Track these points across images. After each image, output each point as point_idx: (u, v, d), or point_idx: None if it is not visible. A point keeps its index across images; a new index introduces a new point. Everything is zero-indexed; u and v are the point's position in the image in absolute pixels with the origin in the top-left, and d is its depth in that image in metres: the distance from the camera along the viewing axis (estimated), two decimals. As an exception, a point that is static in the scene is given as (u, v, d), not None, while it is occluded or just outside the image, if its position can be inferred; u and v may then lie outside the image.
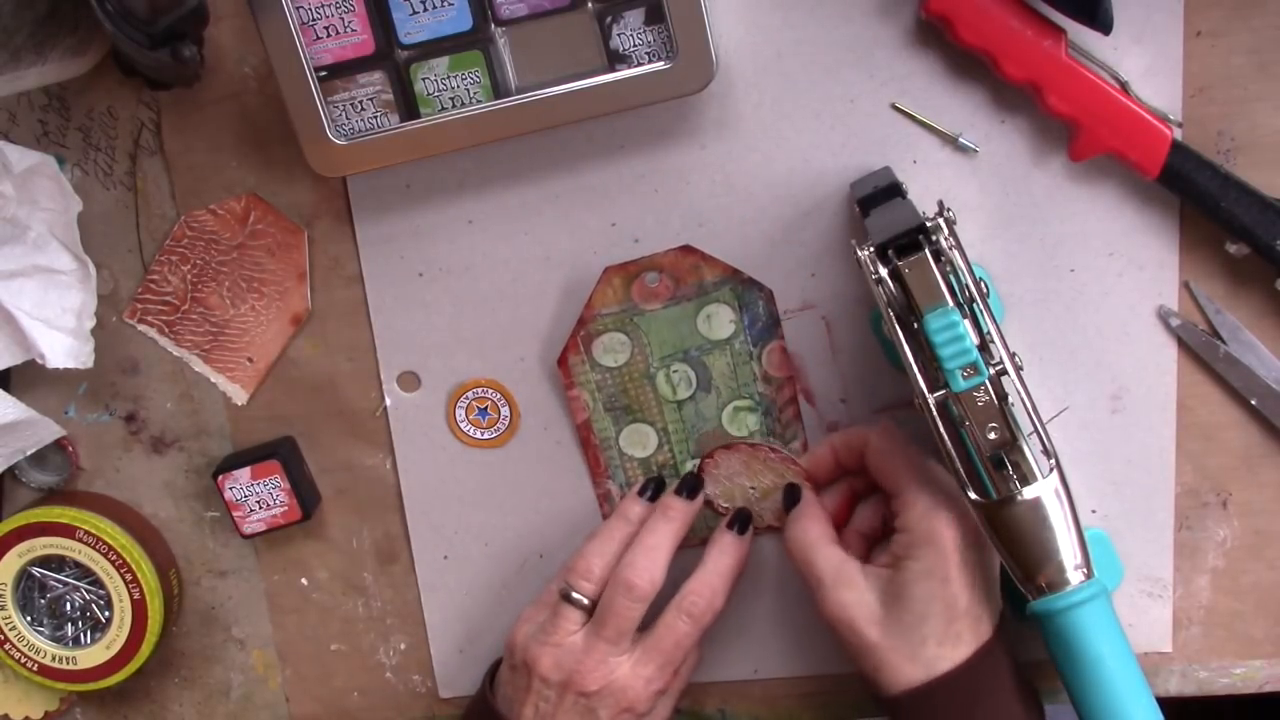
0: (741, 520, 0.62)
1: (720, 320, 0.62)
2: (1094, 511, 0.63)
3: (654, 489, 0.62)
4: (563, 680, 0.58)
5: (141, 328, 0.66)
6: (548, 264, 0.63)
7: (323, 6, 0.56)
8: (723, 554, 0.60)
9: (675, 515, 0.60)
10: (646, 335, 0.62)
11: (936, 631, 0.55)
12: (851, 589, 0.57)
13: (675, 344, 0.63)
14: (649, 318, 0.62)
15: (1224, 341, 0.60)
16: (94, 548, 0.65)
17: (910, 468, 0.58)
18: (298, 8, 0.56)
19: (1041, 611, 0.53)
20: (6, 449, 0.64)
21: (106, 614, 0.67)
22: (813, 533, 0.59)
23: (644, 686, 0.58)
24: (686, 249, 0.61)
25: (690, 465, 0.64)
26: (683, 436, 0.64)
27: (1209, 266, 0.60)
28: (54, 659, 0.67)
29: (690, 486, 0.62)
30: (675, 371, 0.63)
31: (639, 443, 0.64)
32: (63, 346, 0.62)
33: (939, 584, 0.55)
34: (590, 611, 0.59)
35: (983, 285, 0.54)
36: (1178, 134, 0.58)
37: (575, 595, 0.59)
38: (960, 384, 0.52)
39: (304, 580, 0.69)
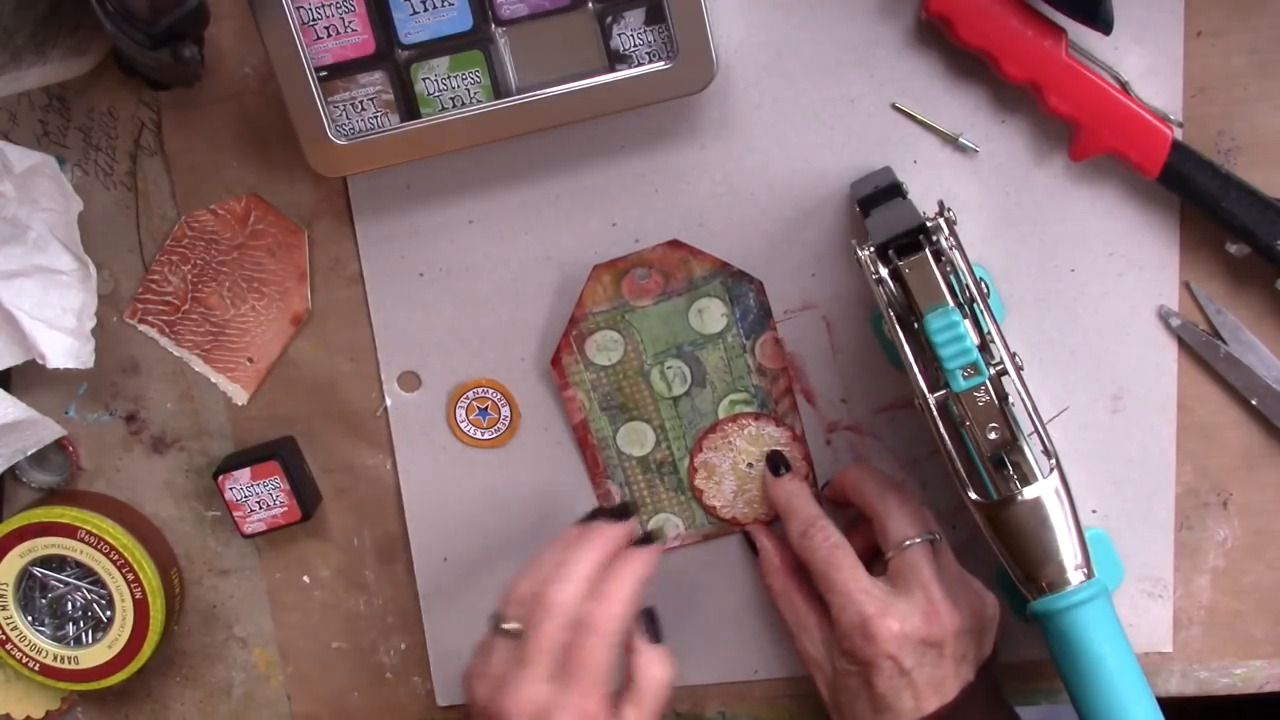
0: (618, 511, 0.59)
1: (712, 314, 0.62)
2: (1094, 511, 0.63)
3: (592, 517, 0.60)
4: (494, 711, 0.54)
5: (142, 328, 0.66)
6: (548, 264, 0.63)
7: (323, 6, 0.56)
8: (620, 562, 0.57)
9: (595, 535, 0.57)
10: (639, 332, 0.62)
11: (864, 716, 0.56)
12: (810, 643, 0.60)
13: (668, 340, 0.63)
14: (640, 314, 0.62)
15: (1224, 341, 0.60)
16: (95, 547, 0.65)
17: (849, 577, 0.57)
18: (298, 8, 0.56)
19: (1042, 611, 0.53)
20: (7, 449, 0.64)
21: (108, 613, 0.67)
22: (777, 585, 0.62)
23: (569, 715, 0.53)
24: (674, 244, 0.61)
25: (688, 462, 0.64)
26: (680, 433, 0.64)
27: (1209, 266, 0.60)
28: (55, 659, 0.67)
29: (619, 514, 0.59)
30: (669, 368, 0.63)
31: (637, 441, 0.64)
32: (63, 346, 0.62)
33: (863, 685, 0.56)
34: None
35: (983, 285, 0.54)
36: (1178, 134, 0.58)
37: (504, 625, 0.56)
38: (960, 384, 0.52)
39: (306, 578, 0.69)
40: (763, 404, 0.63)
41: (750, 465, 0.64)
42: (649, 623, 0.58)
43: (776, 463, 0.63)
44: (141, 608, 0.66)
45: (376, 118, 0.58)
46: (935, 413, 0.53)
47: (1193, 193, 0.57)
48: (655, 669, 0.57)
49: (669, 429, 0.64)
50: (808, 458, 0.64)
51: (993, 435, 0.53)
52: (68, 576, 0.67)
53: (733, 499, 0.64)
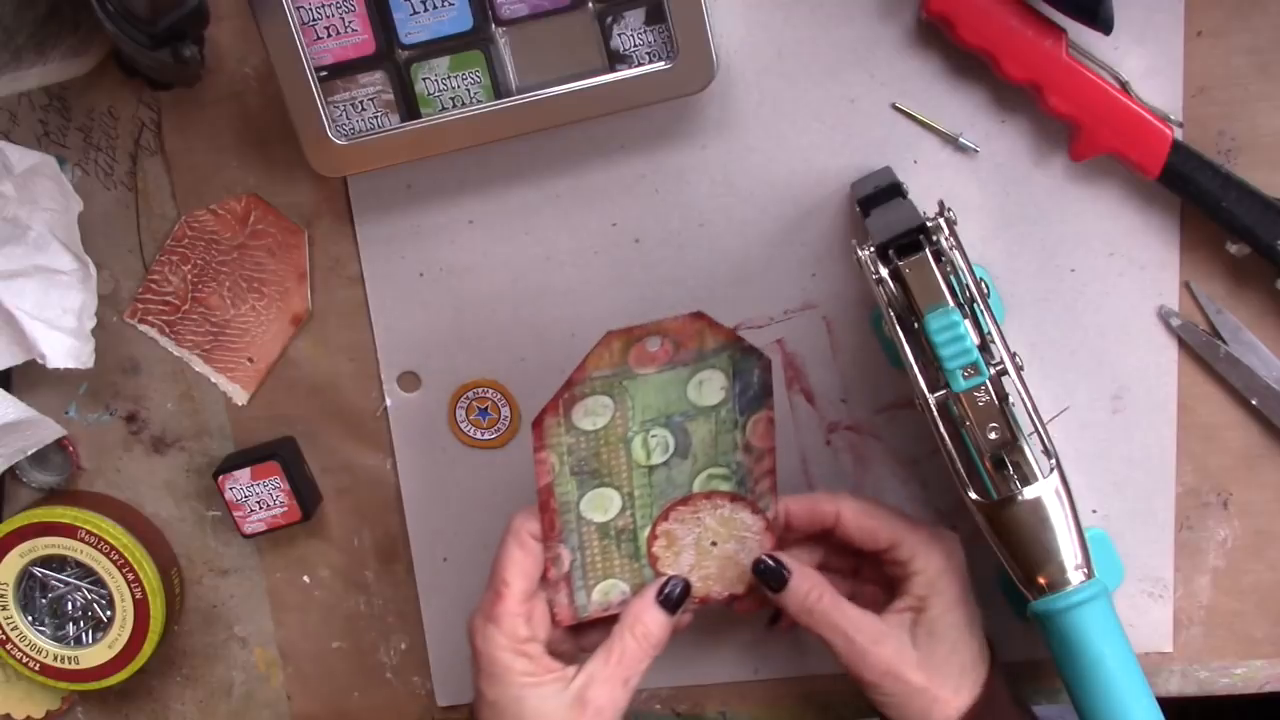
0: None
1: (712, 387, 0.57)
2: (1094, 511, 0.63)
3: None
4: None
5: (142, 328, 0.66)
6: (548, 264, 0.63)
7: (323, 6, 0.56)
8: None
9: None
10: (632, 399, 0.56)
11: (971, 653, 0.56)
12: (888, 642, 0.56)
13: (660, 409, 0.57)
14: (639, 381, 0.56)
15: (1224, 341, 0.60)
16: (96, 547, 0.65)
17: (897, 516, 0.58)
18: (298, 8, 0.56)
19: (1042, 611, 0.53)
20: (7, 449, 0.64)
21: (108, 613, 0.67)
22: (825, 599, 0.57)
23: None
24: (697, 315, 0.55)
25: (649, 529, 0.59)
26: (648, 501, 0.59)
27: (1209, 266, 0.60)
28: (56, 658, 0.67)
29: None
30: (654, 436, 0.58)
31: (600, 507, 0.58)
32: (63, 346, 0.62)
33: (965, 608, 0.56)
34: None
35: (983, 285, 0.54)
36: (1178, 134, 0.58)
37: None
38: (961, 384, 0.52)
39: (306, 578, 0.69)
40: (740, 482, 0.59)
41: (714, 544, 0.60)
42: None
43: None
44: (141, 608, 0.66)
45: (376, 118, 0.58)
46: (935, 413, 0.53)
47: (1193, 193, 0.57)
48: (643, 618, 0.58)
49: (637, 497, 0.59)
50: (775, 549, 0.60)
51: (993, 435, 0.53)
52: (68, 576, 0.67)
53: (688, 572, 0.60)
